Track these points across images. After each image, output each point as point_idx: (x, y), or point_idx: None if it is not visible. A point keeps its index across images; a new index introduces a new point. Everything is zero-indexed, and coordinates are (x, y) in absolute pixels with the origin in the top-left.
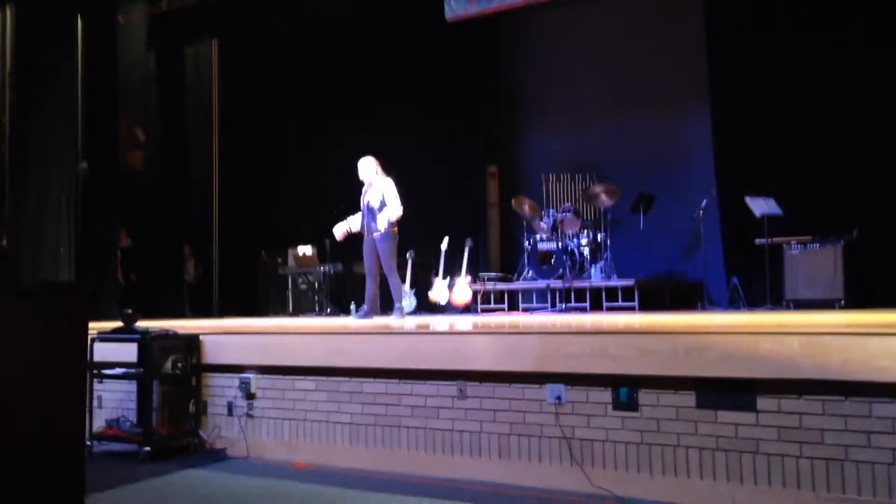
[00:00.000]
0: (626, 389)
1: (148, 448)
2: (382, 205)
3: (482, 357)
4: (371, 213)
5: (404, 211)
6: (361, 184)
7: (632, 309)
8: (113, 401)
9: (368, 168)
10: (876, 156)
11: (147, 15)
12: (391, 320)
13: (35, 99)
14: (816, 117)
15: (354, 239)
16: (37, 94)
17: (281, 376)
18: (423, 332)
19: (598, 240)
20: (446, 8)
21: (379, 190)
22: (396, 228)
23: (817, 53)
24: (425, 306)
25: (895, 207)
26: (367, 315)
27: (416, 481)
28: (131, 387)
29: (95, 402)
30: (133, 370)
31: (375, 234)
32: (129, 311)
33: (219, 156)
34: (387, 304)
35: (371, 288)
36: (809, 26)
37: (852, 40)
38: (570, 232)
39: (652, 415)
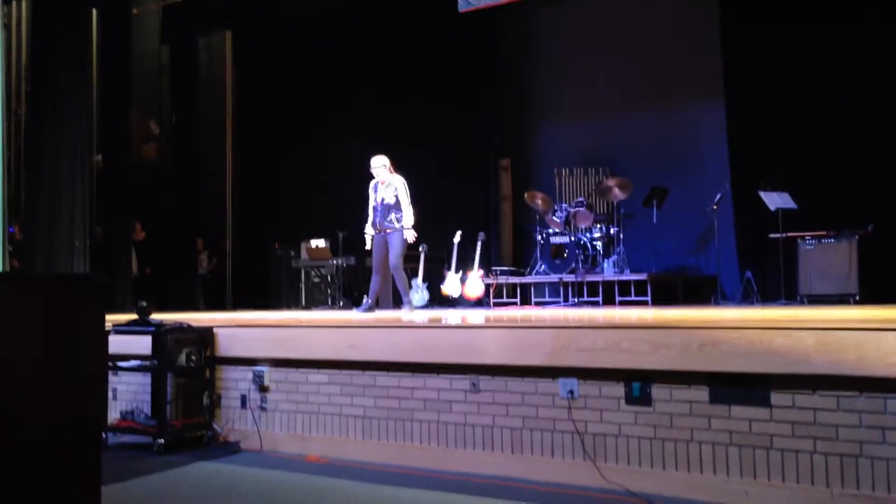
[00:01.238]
0: (638, 384)
1: (162, 440)
2: (397, 201)
3: (495, 351)
4: (385, 210)
5: (414, 207)
6: (371, 176)
7: (645, 303)
8: (127, 393)
9: (382, 165)
10: (891, 150)
11: (161, 7)
12: (402, 314)
13: (50, 91)
14: (832, 110)
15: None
16: (51, 86)
17: (294, 369)
18: (435, 325)
19: (611, 234)
20: (459, 0)
21: (392, 187)
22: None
23: (833, 45)
24: (438, 300)
25: None
26: (370, 309)
27: (428, 475)
28: (146, 379)
29: (110, 395)
30: (147, 362)
31: (389, 231)
32: (144, 303)
33: (232, 148)
34: (397, 299)
35: (376, 283)
36: (825, 17)
37: (868, 30)
38: (582, 226)
39: (665, 409)
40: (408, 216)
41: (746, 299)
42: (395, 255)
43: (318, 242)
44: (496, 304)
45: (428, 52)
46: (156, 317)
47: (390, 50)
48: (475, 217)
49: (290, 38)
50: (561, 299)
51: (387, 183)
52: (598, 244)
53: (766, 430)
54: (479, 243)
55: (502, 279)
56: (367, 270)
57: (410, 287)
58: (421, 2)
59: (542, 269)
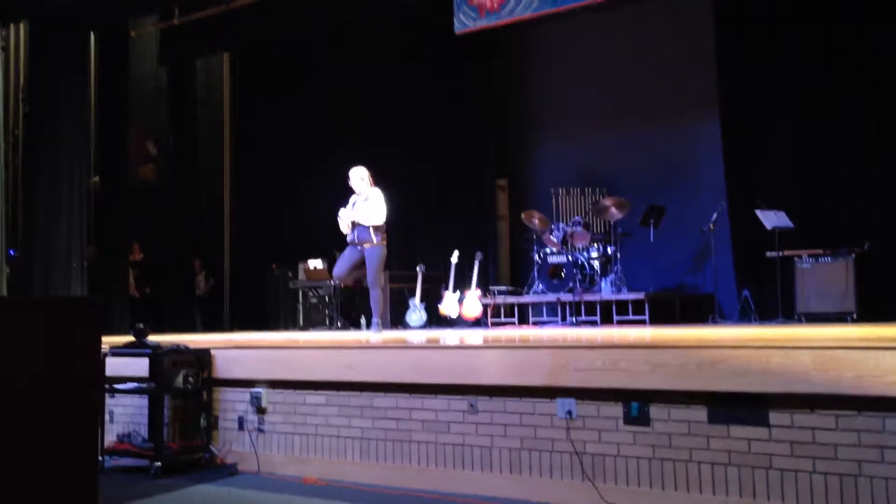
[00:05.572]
0: (637, 404)
1: (159, 463)
2: None
3: (493, 371)
4: (360, 225)
5: (411, 224)
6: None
7: (642, 322)
8: (124, 416)
9: (359, 177)
10: (888, 168)
11: (158, 29)
12: (369, 334)
13: (47, 113)
14: (828, 128)
15: None
16: (49, 108)
17: (291, 391)
18: (433, 346)
19: (609, 253)
20: (455, 22)
21: (369, 201)
22: (385, 241)
23: (829, 62)
24: (435, 320)
25: None
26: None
27: (426, 496)
28: (143, 401)
29: (107, 417)
30: (144, 385)
31: (366, 245)
32: (141, 325)
33: (230, 169)
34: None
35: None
36: (820, 34)
37: (864, 48)
38: (580, 245)
39: (663, 429)
40: (377, 215)
41: (744, 318)
42: (373, 272)
43: (316, 263)
44: (494, 324)
45: (425, 73)
46: (153, 338)
47: (388, 70)
48: (472, 237)
49: (288, 59)
50: (559, 319)
51: (364, 196)
52: (596, 263)
53: (765, 449)
54: (476, 263)
55: (500, 299)
56: (365, 291)
57: (401, 311)
58: (418, 23)
59: (539, 288)
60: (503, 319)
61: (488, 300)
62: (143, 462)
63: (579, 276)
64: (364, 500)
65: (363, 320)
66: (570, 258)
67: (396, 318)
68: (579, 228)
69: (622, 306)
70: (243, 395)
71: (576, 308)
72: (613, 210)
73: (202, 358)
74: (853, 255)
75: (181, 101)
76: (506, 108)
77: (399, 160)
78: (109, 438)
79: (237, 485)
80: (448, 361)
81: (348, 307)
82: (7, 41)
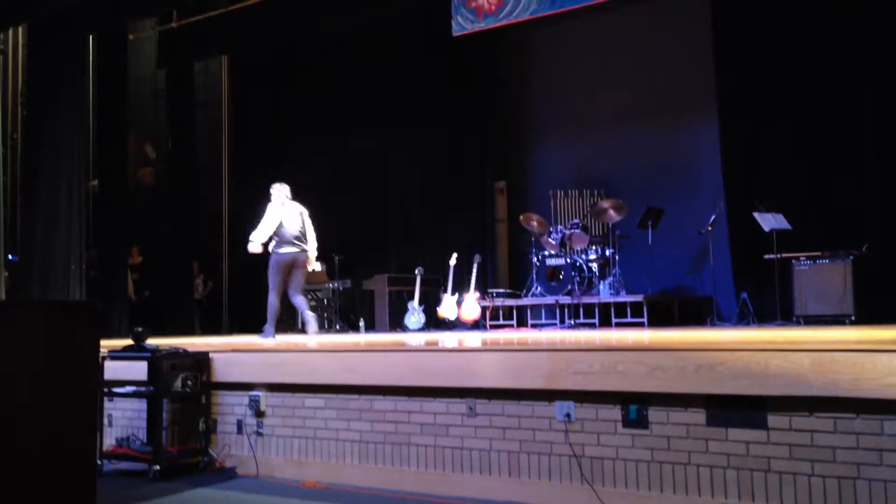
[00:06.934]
0: (635, 407)
1: (157, 467)
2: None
3: (491, 374)
4: None
5: (410, 226)
6: (370, 196)
7: (641, 325)
8: (123, 419)
9: (272, 194)
10: (886, 170)
11: (157, 32)
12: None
13: (46, 116)
14: (826, 130)
15: (364, 254)
16: (48, 111)
17: (290, 394)
18: (431, 349)
19: (607, 255)
20: (453, 24)
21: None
22: (278, 249)
23: (828, 65)
24: (434, 322)
25: None
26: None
27: (425, 499)
28: (141, 405)
29: (106, 421)
30: (143, 388)
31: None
32: (140, 328)
33: (229, 171)
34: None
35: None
36: (820, 34)
37: (864, 52)
38: (578, 247)
39: (662, 432)
40: (257, 230)
41: (742, 320)
42: (269, 277)
43: (314, 266)
44: (493, 327)
45: (424, 75)
46: (152, 342)
47: (386, 73)
48: (471, 239)
49: (286, 61)
50: (557, 321)
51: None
52: (594, 266)
53: (763, 452)
54: (475, 265)
55: (498, 301)
56: (363, 294)
57: (400, 313)
58: (416, 26)
59: (538, 291)
60: (502, 322)
61: (487, 303)
62: (141, 466)
63: (577, 279)
64: (363, 503)
65: (362, 323)
66: (569, 260)
67: (395, 321)
68: (577, 231)
69: (620, 308)
70: (242, 398)
71: (574, 310)
72: (612, 212)
73: (201, 361)
74: (851, 258)
75: (180, 103)
76: (504, 109)
77: (398, 162)
78: (108, 442)
79: (236, 488)
80: (447, 364)
81: (347, 310)
82: (6, 44)
